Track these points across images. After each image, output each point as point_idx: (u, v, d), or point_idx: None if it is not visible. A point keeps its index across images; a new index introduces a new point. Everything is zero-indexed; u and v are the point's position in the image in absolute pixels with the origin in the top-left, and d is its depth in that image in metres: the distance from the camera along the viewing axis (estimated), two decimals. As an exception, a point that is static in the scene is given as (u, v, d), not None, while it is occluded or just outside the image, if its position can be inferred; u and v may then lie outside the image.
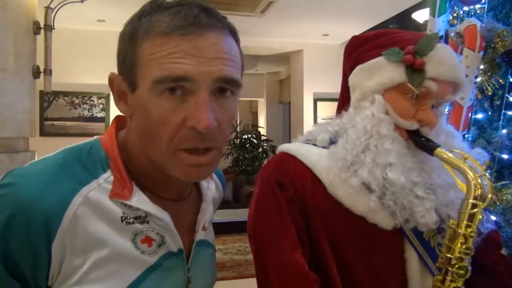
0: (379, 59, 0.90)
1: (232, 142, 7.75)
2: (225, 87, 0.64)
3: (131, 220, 0.66)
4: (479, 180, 0.78)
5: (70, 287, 0.61)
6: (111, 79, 0.68)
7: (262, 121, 9.64)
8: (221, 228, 5.57)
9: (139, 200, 0.67)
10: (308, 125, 6.04)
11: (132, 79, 0.64)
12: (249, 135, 7.92)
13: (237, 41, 0.69)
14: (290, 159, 0.93)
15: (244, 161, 7.59)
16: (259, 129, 8.51)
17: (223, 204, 6.49)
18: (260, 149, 7.74)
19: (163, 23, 0.61)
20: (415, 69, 0.85)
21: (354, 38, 0.99)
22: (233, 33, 0.68)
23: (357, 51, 0.96)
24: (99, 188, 0.64)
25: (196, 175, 0.67)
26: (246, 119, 9.78)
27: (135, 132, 0.68)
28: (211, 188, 0.82)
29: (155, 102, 0.61)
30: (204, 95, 0.61)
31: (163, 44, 0.60)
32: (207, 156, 0.64)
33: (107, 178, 0.66)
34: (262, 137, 8.00)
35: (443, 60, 0.87)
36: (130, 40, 0.64)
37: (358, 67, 0.94)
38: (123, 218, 0.65)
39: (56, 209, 0.60)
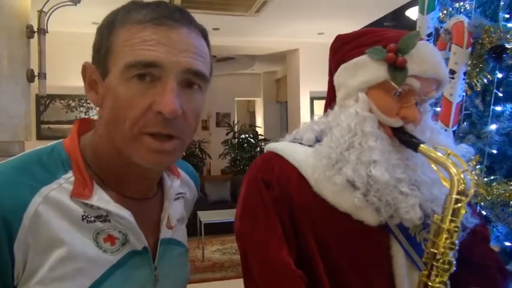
0: (363, 58, 0.90)
1: (229, 142, 7.76)
2: (193, 80, 0.67)
3: (92, 219, 0.67)
4: (462, 176, 0.79)
5: (34, 286, 0.61)
6: (85, 67, 0.70)
7: (259, 121, 9.65)
8: (220, 228, 5.56)
9: (100, 199, 0.68)
10: (305, 123, 6.02)
11: (104, 66, 0.66)
12: (247, 135, 7.94)
13: (208, 44, 0.73)
14: (276, 158, 0.94)
15: (242, 160, 7.60)
16: (257, 128, 8.53)
17: (222, 204, 6.44)
18: (258, 149, 7.75)
19: (140, 15, 0.65)
20: (397, 67, 0.86)
21: (339, 37, 0.99)
22: (204, 36, 0.72)
23: (342, 50, 0.96)
24: (60, 188, 0.65)
25: (157, 161, 0.67)
26: (243, 119, 9.78)
27: (103, 120, 0.69)
28: (174, 186, 0.82)
29: (124, 86, 0.64)
30: (172, 82, 0.64)
31: (138, 31, 0.64)
32: (170, 143, 0.66)
33: (68, 178, 0.67)
34: (259, 136, 8.02)
35: (425, 58, 0.87)
36: (107, 29, 0.67)
37: (343, 66, 0.94)
38: (84, 217, 0.66)
39: (14, 208, 0.60)
